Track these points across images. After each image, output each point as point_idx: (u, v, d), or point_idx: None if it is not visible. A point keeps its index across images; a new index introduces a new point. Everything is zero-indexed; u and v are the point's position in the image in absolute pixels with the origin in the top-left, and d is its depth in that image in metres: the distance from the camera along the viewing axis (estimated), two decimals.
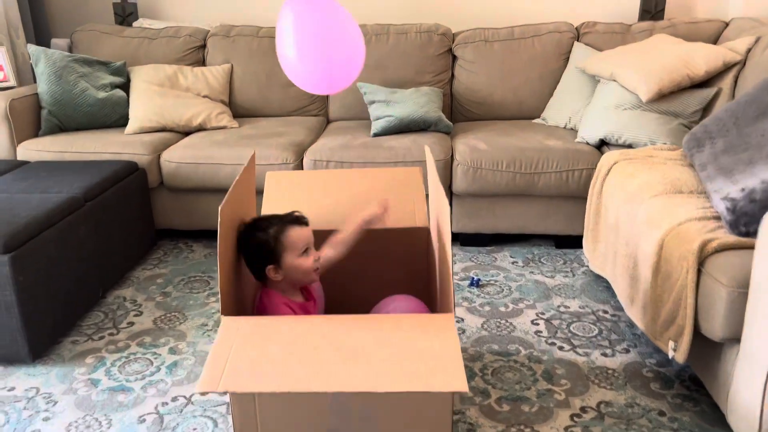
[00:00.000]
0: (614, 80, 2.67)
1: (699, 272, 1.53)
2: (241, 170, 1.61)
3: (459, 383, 1.21)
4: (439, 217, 1.50)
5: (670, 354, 1.60)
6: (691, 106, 2.54)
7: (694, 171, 2.06)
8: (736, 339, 1.45)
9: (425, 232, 1.82)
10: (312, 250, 1.54)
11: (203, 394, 1.69)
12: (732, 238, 1.54)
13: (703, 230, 1.61)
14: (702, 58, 2.56)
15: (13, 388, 1.79)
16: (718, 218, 1.67)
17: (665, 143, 2.47)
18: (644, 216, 1.85)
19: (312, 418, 1.41)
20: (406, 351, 1.29)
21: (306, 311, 1.56)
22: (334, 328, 1.37)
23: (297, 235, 1.50)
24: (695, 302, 1.52)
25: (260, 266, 1.51)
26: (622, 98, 2.59)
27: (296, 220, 1.52)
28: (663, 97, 2.52)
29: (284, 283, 1.53)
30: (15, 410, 1.69)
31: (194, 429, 1.60)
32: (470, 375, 1.81)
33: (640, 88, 2.51)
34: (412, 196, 1.89)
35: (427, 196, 1.94)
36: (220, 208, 1.35)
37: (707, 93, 2.55)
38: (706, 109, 2.57)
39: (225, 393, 1.19)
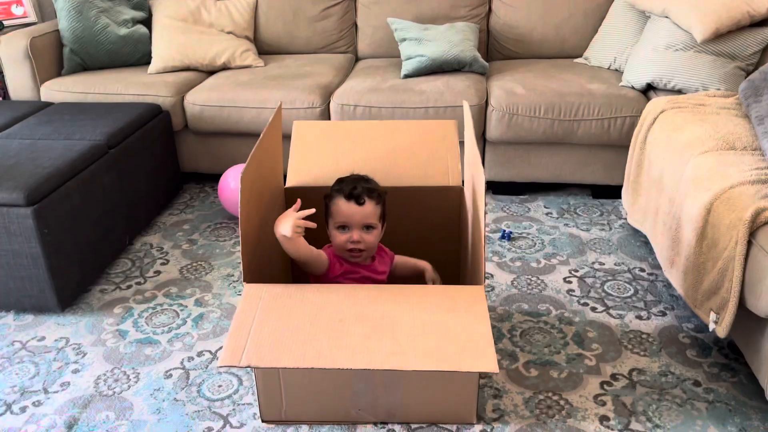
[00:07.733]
0: (666, 17, 2.46)
1: (749, 243, 1.43)
2: (266, 126, 1.54)
3: (489, 363, 1.17)
4: (475, 186, 1.41)
5: (711, 326, 1.53)
6: (750, 46, 2.33)
7: (750, 123, 1.91)
8: None
9: (458, 191, 1.74)
10: (356, 230, 1.51)
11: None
12: None
13: (757, 196, 1.49)
14: None
15: (43, 338, 1.81)
16: None
17: (719, 89, 2.29)
18: (691, 174, 1.73)
19: (336, 382, 1.39)
20: (434, 325, 1.24)
21: (355, 274, 1.56)
22: (361, 298, 1.33)
23: (338, 209, 1.52)
24: (742, 275, 1.43)
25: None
26: (674, 37, 2.39)
27: (349, 195, 1.50)
28: (719, 36, 2.32)
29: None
30: (45, 361, 1.72)
31: (219, 386, 1.60)
32: (498, 336, 1.77)
33: (696, 27, 2.31)
34: (446, 152, 1.79)
35: (461, 143, 1.84)
36: (241, 175, 1.29)
37: None
38: (767, 49, 2.36)
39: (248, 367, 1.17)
